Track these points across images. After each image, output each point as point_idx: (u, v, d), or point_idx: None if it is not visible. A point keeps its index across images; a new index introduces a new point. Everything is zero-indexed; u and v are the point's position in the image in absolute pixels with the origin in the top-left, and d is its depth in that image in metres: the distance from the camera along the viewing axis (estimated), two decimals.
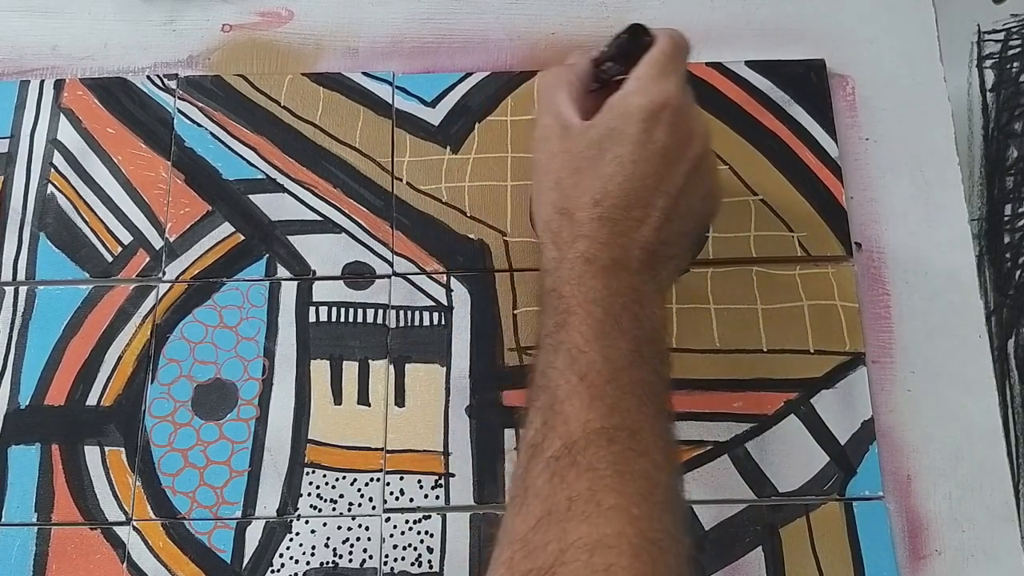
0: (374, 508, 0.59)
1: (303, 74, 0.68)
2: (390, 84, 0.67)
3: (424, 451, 0.60)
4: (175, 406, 0.62)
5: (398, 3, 0.69)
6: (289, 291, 0.64)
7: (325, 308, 0.64)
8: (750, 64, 0.66)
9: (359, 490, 0.60)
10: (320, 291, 0.64)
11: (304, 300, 0.64)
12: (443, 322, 0.62)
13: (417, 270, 0.63)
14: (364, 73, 0.68)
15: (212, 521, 0.60)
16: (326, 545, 0.59)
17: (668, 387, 0.47)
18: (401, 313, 0.63)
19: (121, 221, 0.65)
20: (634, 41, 0.52)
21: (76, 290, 0.64)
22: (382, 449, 0.60)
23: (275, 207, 0.65)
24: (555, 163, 0.50)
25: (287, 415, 0.62)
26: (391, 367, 0.62)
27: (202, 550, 0.60)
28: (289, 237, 0.65)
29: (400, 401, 0.61)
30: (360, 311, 0.63)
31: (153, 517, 0.60)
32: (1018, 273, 0.60)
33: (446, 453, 0.60)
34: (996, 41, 0.61)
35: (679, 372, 0.60)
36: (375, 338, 0.63)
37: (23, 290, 0.65)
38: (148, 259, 0.65)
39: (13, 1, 0.70)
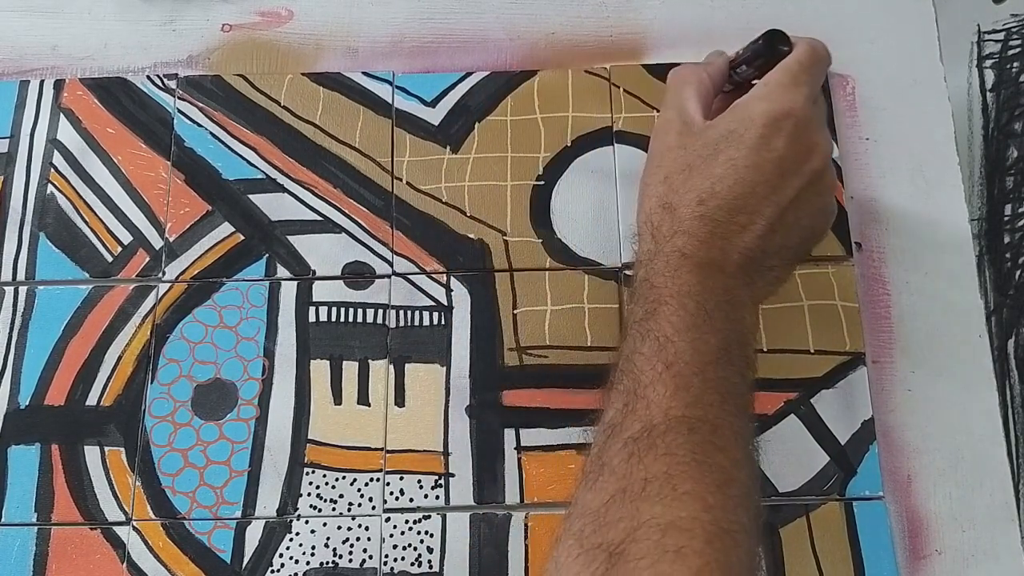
0: (374, 508, 0.59)
1: (303, 74, 0.68)
2: (390, 84, 0.67)
3: (424, 451, 0.60)
4: (175, 406, 0.62)
5: (398, 3, 0.69)
6: (289, 291, 0.64)
7: (325, 308, 0.64)
8: None
9: (359, 490, 0.60)
10: (320, 291, 0.64)
11: (304, 300, 0.64)
12: (443, 322, 0.62)
13: (417, 270, 0.63)
14: (364, 73, 0.68)
15: (212, 521, 0.60)
16: (326, 545, 0.59)
17: (752, 391, 0.48)
18: (401, 313, 0.63)
19: (121, 221, 0.65)
20: (770, 47, 0.51)
21: (76, 290, 0.64)
22: (382, 449, 0.60)
23: (275, 207, 0.65)
24: (668, 157, 0.50)
25: (287, 415, 0.62)
26: (391, 367, 0.62)
27: (202, 550, 0.60)
28: (289, 237, 0.65)
29: (400, 401, 0.61)
30: (360, 311, 0.63)
31: (153, 517, 0.60)
32: (1018, 273, 0.60)
33: (446, 453, 0.60)
34: (996, 41, 0.61)
35: None
36: (375, 338, 0.63)
37: (23, 290, 0.65)
38: (148, 259, 0.65)
39: (13, 1, 0.70)
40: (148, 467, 0.61)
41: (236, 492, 0.61)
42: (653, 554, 0.39)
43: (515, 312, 0.62)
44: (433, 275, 0.63)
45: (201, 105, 0.67)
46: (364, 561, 0.58)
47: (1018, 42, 0.60)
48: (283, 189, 0.65)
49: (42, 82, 0.69)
